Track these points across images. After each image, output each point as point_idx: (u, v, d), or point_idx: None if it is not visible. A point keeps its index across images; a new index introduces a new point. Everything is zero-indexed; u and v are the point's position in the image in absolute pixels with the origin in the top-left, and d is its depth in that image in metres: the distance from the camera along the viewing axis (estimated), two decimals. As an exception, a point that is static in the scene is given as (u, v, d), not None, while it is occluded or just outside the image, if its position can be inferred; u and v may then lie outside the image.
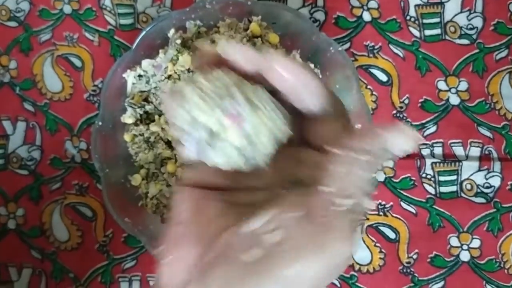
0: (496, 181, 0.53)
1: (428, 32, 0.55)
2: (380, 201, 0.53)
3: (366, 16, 0.55)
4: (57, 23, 0.55)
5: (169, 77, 0.48)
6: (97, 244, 0.53)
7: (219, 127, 0.25)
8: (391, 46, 0.55)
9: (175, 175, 0.49)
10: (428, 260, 0.53)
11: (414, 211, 0.53)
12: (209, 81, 0.25)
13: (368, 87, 0.54)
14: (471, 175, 0.54)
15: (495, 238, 0.53)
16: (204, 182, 0.27)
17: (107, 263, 0.53)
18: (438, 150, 0.54)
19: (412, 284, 0.53)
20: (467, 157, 0.54)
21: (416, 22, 0.55)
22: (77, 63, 0.54)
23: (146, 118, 0.50)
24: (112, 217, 0.48)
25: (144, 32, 0.49)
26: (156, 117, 0.49)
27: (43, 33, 0.54)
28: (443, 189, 0.54)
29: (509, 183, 0.53)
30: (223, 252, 0.24)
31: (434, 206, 0.53)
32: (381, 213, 0.53)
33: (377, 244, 0.53)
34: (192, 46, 0.41)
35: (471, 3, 0.55)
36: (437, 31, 0.55)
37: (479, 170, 0.54)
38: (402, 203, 0.53)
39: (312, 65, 0.50)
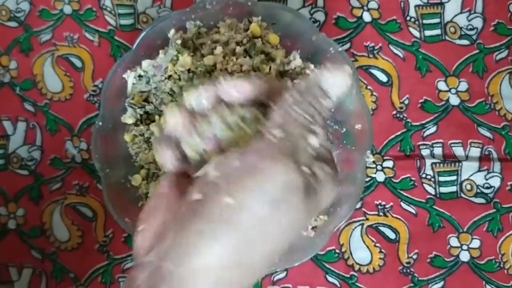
0: (496, 182, 0.54)
1: (428, 33, 0.55)
2: (380, 201, 0.54)
3: (366, 17, 0.55)
4: (57, 23, 0.55)
5: (169, 77, 0.48)
6: (97, 244, 0.53)
7: (204, 154, 0.31)
8: (391, 47, 0.55)
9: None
10: (428, 260, 0.53)
11: (414, 212, 0.53)
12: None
13: (368, 87, 0.54)
14: (471, 175, 0.54)
15: (495, 239, 0.53)
16: (185, 171, 0.31)
17: (107, 263, 0.53)
18: (438, 151, 0.54)
19: (412, 284, 0.53)
20: (467, 158, 0.54)
21: (416, 22, 0.55)
22: (77, 63, 0.54)
23: (147, 118, 0.50)
24: (112, 217, 0.48)
25: (144, 33, 0.49)
26: (157, 117, 0.49)
27: (43, 34, 0.54)
28: (443, 189, 0.54)
29: (509, 183, 0.54)
30: (179, 209, 0.28)
31: (434, 207, 0.53)
32: (381, 214, 0.53)
33: (377, 244, 0.53)
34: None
35: (471, 4, 0.55)
36: (437, 31, 0.55)
37: (479, 171, 0.54)
38: (402, 204, 0.53)
39: (312, 66, 0.50)
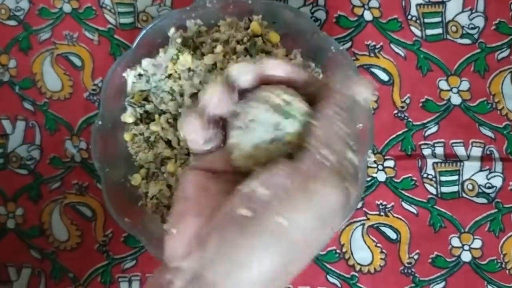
0: (497, 182, 0.53)
1: (429, 32, 0.55)
2: (381, 201, 0.53)
3: (367, 15, 0.55)
4: (57, 22, 0.54)
5: (169, 76, 0.48)
6: (97, 244, 0.53)
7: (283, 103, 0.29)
8: (392, 46, 0.54)
9: (175, 175, 0.49)
10: (429, 260, 0.53)
11: (415, 212, 0.53)
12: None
13: (369, 86, 0.54)
14: (473, 175, 0.53)
15: (497, 239, 0.53)
16: (208, 168, 0.30)
17: (107, 263, 0.53)
18: (439, 150, 0.54)
19: (413, 285, 0.53)
20: (468, 157, 0.54)
21: (418, 21, 0.55)
22: (77, 62, 0.54)
23: (146, 118, 0.50)
24: (112, 217, 0.47)
25: (144, 31, 0.49)
26: (156, 116, 0.49)
27: (42, 32, 0.54)
28: (445, 189, 0.53)
29: (510, 183, 0.53)
30: (221, 219, 0.27)
31: (435, 207, 0.53)
32: (382, 214, 0.53)
33: (378, 245, 0.53)
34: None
35: (473, 3, 0.55)
36: (438, 30, 0.55)
37: (481, 170, 0.53)
38: (403, 203, 0.53)
39: (313, 65, 0.50)
